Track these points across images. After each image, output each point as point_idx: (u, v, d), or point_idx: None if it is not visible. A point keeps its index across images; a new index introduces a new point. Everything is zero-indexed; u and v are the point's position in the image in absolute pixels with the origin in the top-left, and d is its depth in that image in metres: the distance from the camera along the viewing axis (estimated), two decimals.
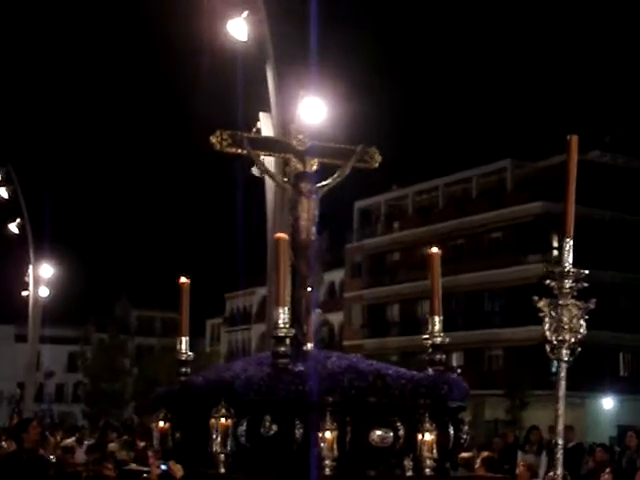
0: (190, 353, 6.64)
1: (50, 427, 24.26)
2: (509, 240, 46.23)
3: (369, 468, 5.30)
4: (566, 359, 4.57)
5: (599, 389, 41.73)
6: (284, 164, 6.90)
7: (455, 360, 43.67)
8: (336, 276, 55.12)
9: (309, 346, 6.22)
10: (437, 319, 5.73)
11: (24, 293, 28.66)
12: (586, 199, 42.09)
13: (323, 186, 6.39)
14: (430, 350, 5.74)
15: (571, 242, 4.60)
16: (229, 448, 5.36)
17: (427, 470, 5.31)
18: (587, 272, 4.66)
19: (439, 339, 5.71)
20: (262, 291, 47.81)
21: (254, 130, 7.23)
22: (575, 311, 4.53)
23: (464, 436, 5.57)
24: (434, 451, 5.29)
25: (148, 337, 68.15)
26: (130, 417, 46.48)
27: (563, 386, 4.58)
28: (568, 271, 4.51)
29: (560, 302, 4.53)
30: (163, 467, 8.32)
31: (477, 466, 10.42)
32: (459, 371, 32.61)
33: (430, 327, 5.77)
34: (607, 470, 11.08)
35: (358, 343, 50.02)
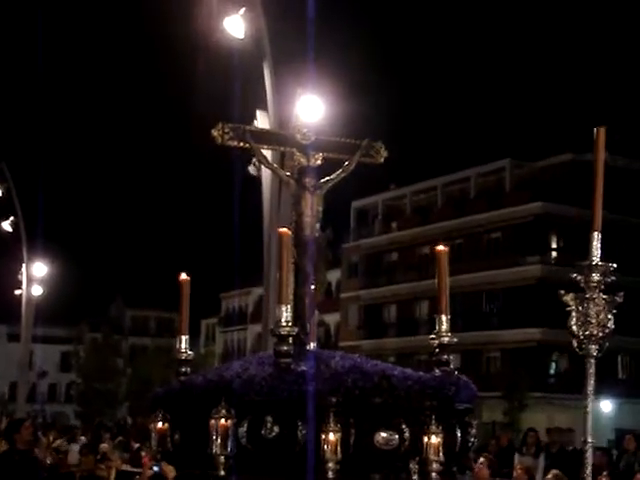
0: (190, 352, 6.48)
1: (43, 427, 24.14)
2: (508, 240, 46.13)
3: (373, 471, 5.14)
4: (594, 354, 4.44)
5: (597, 392, 41.56)
6: (281, 159, 6.73)
7: (452, 362, 43.46)
8: (332, 276, 54.97)
9: (311, 345, 6.06)
10: (444, 318, 5.57)
11: (17, 292, 28.49)
12: (585, 201, 42.05)
13: (327, 181, 6.22)
14: (437, 350, 5.57)
15: (599, 236, 4.49)
16: (229, 450, 5.20)
17: (433, 474, 5.14)
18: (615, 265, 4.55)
19: (446, 339, 5.54)
20: (258, 291, 47.69)
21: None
22: (602, 305, 4.36)
23: (472, 439, 5.41)
24: (441, 454, 5.12)
25: (142, 337, 68.05)
26: (124, 417, 46.32)
27: (592, 384, 4.46)
28: (596, 264, 4.40)
29: (587, 296, 4.41)
30: (155, 468, 8.15)
31: (477, 470, 10.27)
32: (456, 373, 32.41)
33: (437, 326, 5.60)
34: (604, 473, 10.99)
35: (354, 344, 49.88)
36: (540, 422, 31.18)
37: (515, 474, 11.39)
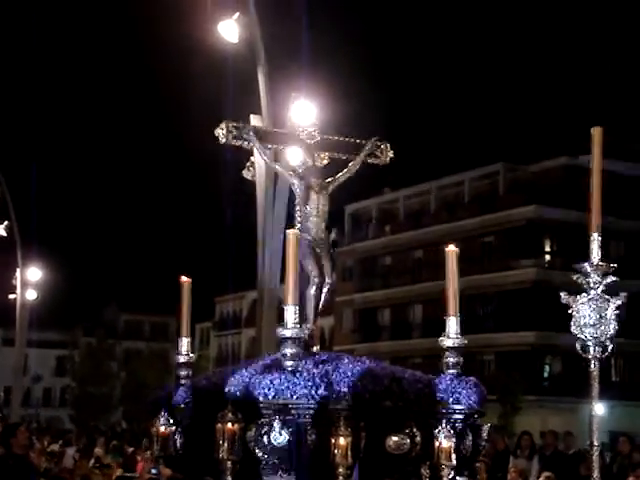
0: (192, 355, 6.37)
1: (37, 432, 24.03)
2: (501, 244, 46.14)
3: (384, 476, 5.04)
4: (598, 356, 4.37)
5: (590, 395, 41.61)
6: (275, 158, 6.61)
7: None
8: None
9: (315, 348, 5.96)
10: (454, 320, 5.48)
11: (11, 296, 28.32)
12: (579, 204, 42.08)
13: (333, 181, 6.13)
14: (447, 353, 5.48)
15: (598, 237, 4.43)
16: (236, 455, 5.09)
17: (445, 479, 5.04)
18: (615, 265, 4.50)
19: (457, 341, 5.45)
20: (252, 295, 47.50)
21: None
22: (606, 305, 4.31)
23: (483, 443, 5.32)
24: (452, 459, 5.02)
25: (136, 341, 67.76)
26: (118, 422, 46.17)
27: (596, 386, 4.38)
28: (597, 264, 4.32)
29: (590, 296, 4.33)
30: (154, 471, 8.03)
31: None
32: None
33: (447, 328, 5.51)
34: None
35: (349, 348, 49.72)
36: (534, 425, 31.16)
37: (509, 477, 11.38)
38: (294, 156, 6.29)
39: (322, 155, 6.15)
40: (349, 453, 4.87)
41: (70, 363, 57.42)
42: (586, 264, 4.39)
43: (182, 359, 6.28)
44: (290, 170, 6.22)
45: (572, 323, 4.47)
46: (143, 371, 50.56)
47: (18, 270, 27.39)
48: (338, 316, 54.24)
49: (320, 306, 5.99)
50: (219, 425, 5.14)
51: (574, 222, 41.84)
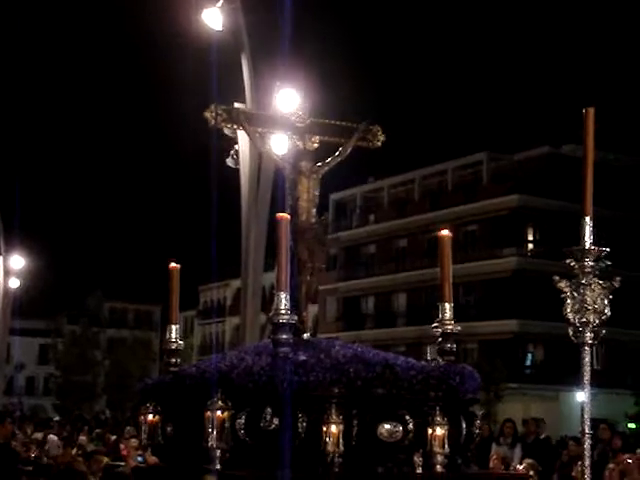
0: (181, 342, 6.27)
1: (20, 420, 23.89)
2: (485, 233, 46.17)
3: (377, 464, 4.95)
4: (590, 342, 4.28)
5: (572, 382, 41.88)
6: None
7: (429, 353, 43.60)
8: None
9: (306, 335, 5.88)
10: (447, 306, 5.39)
11: None
12: (562, 193, 42.15)
13: (324, 165, 6.03)
14: (440, 339, 5.40)
15: (590, 220, 4.35)
16: (226, 443, 5.01)
17: (438, 467, 4.97)
18: (608, 250, 4.42)
19: (450, 327, 5.37)
20: (236, 283, 47.37)
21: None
22: (599, 290, 4.23)
23: (477, 430, 5.25)
24: (446, 446, 4.95)
25: (120, 329, 67.47)
26: (102, 410, 45.99)
27: (588, 371, 4.30)
28: (589, 249, 4.25)
29: (583, 281, 4.23)
30: (139, 459, 7.95)
31: None
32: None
33: (440, 314, 5.43)
34: (580, 463, 11.06)
35: (333, 336, 49.80)
36: (516, 412, 31.28)
37: (491, 464, 11.41)
38: (282, 140, 6.19)
39: (313, 138, 6.04)
40: (340, 441, 4.80)
41: (54, 351, 57.09)
42: (578, 248, 4.29)
43: (172, 346, 6.19)
44: (280, 154, 6.12)
45: (565, 308, 4.38)
46: (127, 359, 50.37)
47: (1, 258, 27.13)
48: (322, 304, 54.15)
49: (311, 292, 5.90)
50: (208, 413, 5.06)
51: (557, 211, 41.94)
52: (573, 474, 11.68)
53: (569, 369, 42.94)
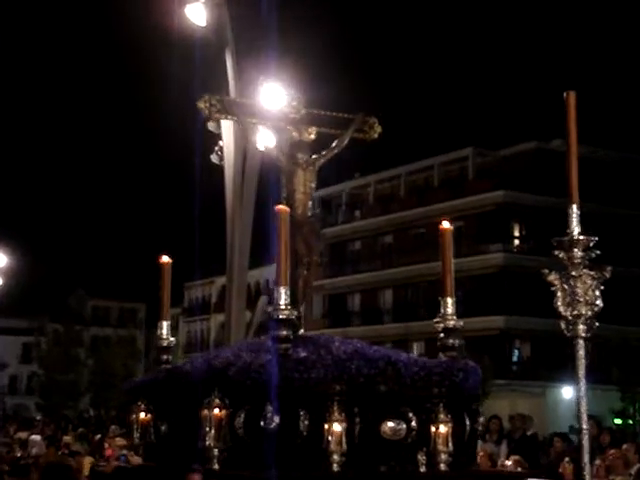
0: (172, 339, 6.10)
1: (3, 420, 23.65)
2: (470, 229, 46.05)
3: (380, 463, 4.80)
4: (584, 335, 4.11)
5: (559, 379, 41.90)
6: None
7: (416, 350, 43.57)
8: None
9: (302, 330, 5.73)
10: (450, 301, 5.25)
11: None
12: (548, 189, 42.17)
13: (320, 157, 5.88)
14: (442, 335, 5.25)
15: (577, 209, 4.16)
16: (224, 442, 4.84)
17: (442, 465, 4.83)
18: (596, 239, 4.24)
19: (452, 322, 5.23)
20: (221, 280, 47.14)
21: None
22: (590, 282, 4.06)
23: (480, 427, 5.11)
24: (450, 444, 4.80)
25: (104, 327, 67.00)
26: (86, 409, 45.67)
27: (583, 365, 4.14)
28: (577, 239, 4.07)
29: (573, 273, 4.06)
30: (122, 458, 7.76)
31: None
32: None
33: (442, 310, 5.29)
34: (566, 459, 11.06)
35: (319, 333, 49.60)
36: (503, 409, 31.20)
37: (479, 460, 11.35)
38: (275, 132, 6.04)
39: (309, 130, 5.89)
40: (343, 439, 4.65)
41: (37, 350, 56.58)
42: (566, 238, 4.10)
43: (164, 343, 6.02)
44: (273, 145, 5.96)
45: (555, 302, 4.20)
46: (111, 358, 50.01)
47: None
48: (308, 301, 53.98)
49: (308, 287, 5.74)
50: (205, 411, 4.90)
51: (543, 207, 41.90)
52: (560, 471, 11.67)
53: (556, 365, 43.02)
